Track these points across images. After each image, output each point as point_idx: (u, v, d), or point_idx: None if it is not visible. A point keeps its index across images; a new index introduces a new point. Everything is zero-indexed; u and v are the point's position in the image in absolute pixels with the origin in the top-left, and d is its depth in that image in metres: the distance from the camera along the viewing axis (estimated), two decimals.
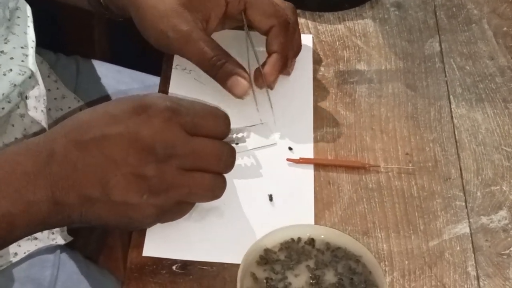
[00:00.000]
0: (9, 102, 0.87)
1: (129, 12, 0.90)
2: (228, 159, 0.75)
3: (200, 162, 0.73)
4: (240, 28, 0.94)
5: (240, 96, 0.87)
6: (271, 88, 0.90)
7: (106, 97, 1.17)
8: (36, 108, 0.89)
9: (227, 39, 0.93)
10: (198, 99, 0.90)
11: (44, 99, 0.91)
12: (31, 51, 0.89)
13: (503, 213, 0.83)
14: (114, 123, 0.70)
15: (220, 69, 0.88)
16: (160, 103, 0.71)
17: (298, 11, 1.03)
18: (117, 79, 1.21)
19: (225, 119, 0.75)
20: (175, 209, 0.74)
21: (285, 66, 0.91)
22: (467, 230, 0.82)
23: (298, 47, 0.93)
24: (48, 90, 1.03)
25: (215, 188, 0.75)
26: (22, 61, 0.87)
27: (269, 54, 0.90)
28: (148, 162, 0.70)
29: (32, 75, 0.88)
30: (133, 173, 0.70)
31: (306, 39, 1.00)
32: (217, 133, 0.74)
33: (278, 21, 0.89)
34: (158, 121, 0.70)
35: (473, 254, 0.80)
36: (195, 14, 0.87)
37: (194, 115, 0.72)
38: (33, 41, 0.90)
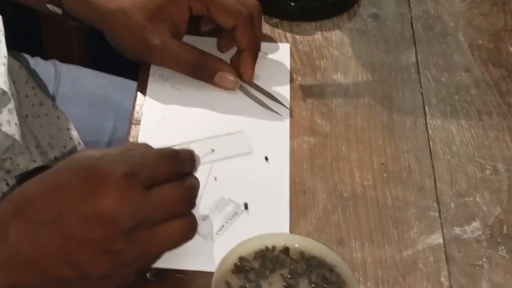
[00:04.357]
0: None
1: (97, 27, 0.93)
2: (191, 196, 0.70)
3: (165, 212, 0.68)
4: (213, 34, 0.97)
5: (231, 89, 0.93)
6: (252, 81, 0.94)
7: (85, 102, 1.16)
8: (9, 122, 0.87)
9: (200, 46, 0.94)
10: (176, 106, 0.91)
11: (16, 111, 0.88)
12: (3, 68, 0.86)
13: (476, 224, 0.84)
14: (69, 199, 0.65)
15: (202, 69, 0.92)
16: (115, 171, 0.65)
17: (276, 20, 1.03)
18: (96, 83, 1.20)
19: (175, 156, 0.70)
20: (155, 260, 0.71)
21: (256, 58, 0.94)
22: (441, 240, 0.82)
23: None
24: (25, 96, 1.02)
25: (190, 231, 0.70)
26: None
27: (239, 50, 0.94)
28: (116, 235, 0.65)
29: (4, 93, 0.86)
30: (103, 249, 0.65)
31: (284, 48, 1.00)
32: (174, 175, 0.69)
33: (242, 18, 0.92)
34: (116, 190, 0.65)
35: (446, 265, 0.80)
36: (163, 24, 0.91)
37: (150, 170, 0.67)
38: (5, 57, 0.87)
